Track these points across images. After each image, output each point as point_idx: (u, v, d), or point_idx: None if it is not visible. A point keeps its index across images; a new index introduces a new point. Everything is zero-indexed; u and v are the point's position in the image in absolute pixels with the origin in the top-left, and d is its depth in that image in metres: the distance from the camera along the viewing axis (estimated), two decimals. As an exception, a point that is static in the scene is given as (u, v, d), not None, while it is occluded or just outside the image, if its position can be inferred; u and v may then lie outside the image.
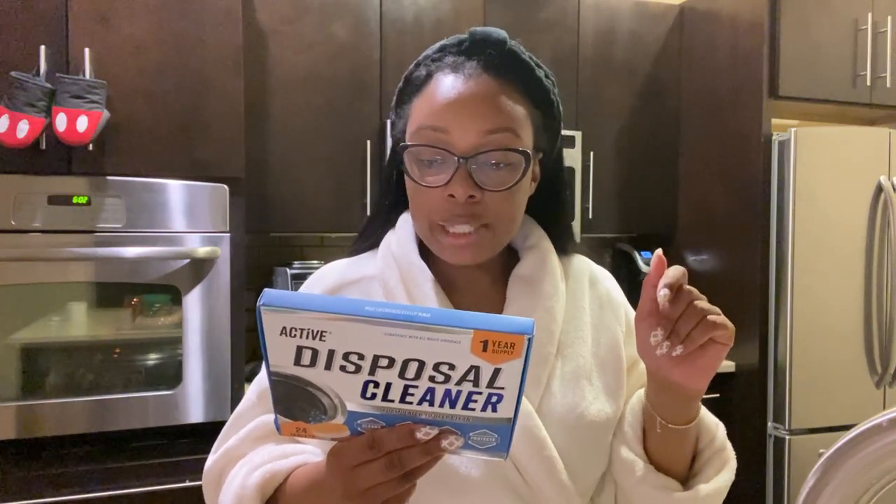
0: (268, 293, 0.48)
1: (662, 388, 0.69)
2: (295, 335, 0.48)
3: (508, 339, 0.48)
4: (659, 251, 0.63)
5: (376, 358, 0.49)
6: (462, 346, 0.48)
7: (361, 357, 0.49)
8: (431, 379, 0.50)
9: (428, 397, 0.51)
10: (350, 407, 0.52)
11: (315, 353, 0.49)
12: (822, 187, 2.38)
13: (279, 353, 0.49)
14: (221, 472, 0.77)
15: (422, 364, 0.49)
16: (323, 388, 0.51)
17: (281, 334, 0.48)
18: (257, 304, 0.48)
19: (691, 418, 0.71)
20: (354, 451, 0.54)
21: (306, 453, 0.73)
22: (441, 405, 0.51)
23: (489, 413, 0.52)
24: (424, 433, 0.53)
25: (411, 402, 0.52)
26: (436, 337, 0.48)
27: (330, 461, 0.57)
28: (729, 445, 0.76)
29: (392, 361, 0.49)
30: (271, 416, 0.75)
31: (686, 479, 0.75)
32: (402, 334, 0.48)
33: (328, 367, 0.49)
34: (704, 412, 0.75)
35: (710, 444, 0.74)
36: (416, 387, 0.50)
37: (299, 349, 0.49)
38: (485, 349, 0.48)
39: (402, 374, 0.50)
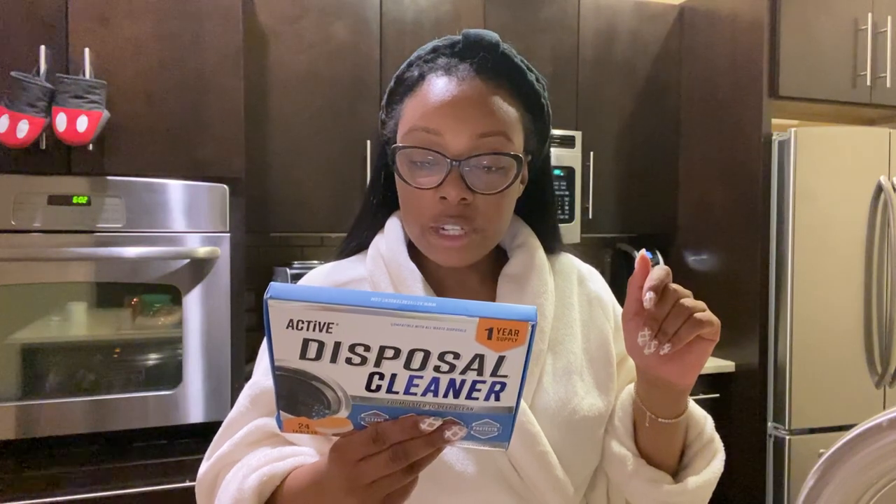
0: (274, 286, 0.48)
1: (651, 384, 0.70)
2: (301, 328, 0.48)
3: (513, 325, 0.49)
4: (643, 252, 0.64)
5: (382, 349, 0.49)
6: (467, 335, 0.49)
7: (367, 348, 0.49)
8: (436, 369, 0.50)
9: (432, 387, 0.52)
10: (354, 400, 0.53)
11: (321, 345, 0.49)
12: (822, 187, 2.38)
13: (285, 346, 0.49)
14: (215, 479, 0.76)
15: (427, 354, 0.50)
16: (327, 382, 0.51)
17: (287, 327, 0.48)
18: (265, 296, 0.48)
19: (680, 412, 0.72)
20: (358, 444, 0.54)
21: (304, 455, 0.73)
22: (445, 395, 0.52)
23: (492, 402, 0.53)
24: (428, 424, 0.53)
25: (415, 393, 0.52)
26: (441, 325, 0.48)
27: (332, 456, 0.58)
28: (717, 437, 0.77)
29: (398, 352, 0.49)
30: (264, 421, 0.75)
31: (676, 471, 0.76)
32: (408, 324, 0.48)
33: (334, 359, 0.50)
34: (693, 405, 0.76)
35: (698, 436, 0.76)
36: (420, 377, 0.51)
37: (305, 342, 0.49)
38: (489, 337, 0.49)
39: (407, 365, 0.50)
